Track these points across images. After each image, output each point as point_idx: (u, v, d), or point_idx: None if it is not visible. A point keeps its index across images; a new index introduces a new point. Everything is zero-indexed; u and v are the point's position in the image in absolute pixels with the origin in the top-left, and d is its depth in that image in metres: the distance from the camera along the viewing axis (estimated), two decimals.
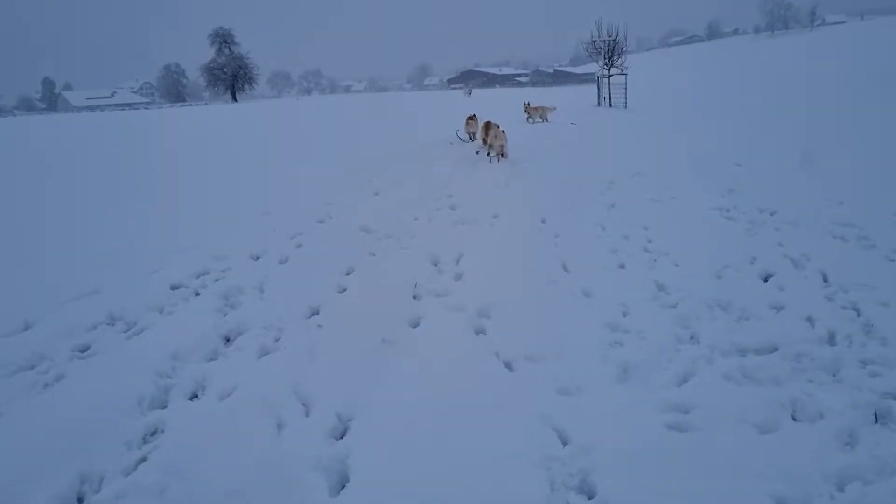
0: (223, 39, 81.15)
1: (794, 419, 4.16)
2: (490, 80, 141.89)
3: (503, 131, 15.23)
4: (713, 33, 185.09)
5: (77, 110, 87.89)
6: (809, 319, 5.61)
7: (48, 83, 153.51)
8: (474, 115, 19.04)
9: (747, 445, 3.83)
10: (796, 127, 18.37)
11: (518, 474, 3.66)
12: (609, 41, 35.97)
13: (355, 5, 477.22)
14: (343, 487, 3.69)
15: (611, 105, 34.07)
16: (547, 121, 25.38)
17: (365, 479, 3.69)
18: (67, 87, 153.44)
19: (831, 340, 5.25)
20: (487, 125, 15.99)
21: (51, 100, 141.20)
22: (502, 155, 15.07)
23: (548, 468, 3.72)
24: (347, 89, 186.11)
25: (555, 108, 26.65)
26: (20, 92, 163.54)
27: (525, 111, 25.67)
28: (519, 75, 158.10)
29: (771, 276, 6.78)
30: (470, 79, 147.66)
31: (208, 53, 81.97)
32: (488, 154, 15.20)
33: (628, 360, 5.03)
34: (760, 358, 4.98)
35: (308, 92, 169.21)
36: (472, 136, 18.45)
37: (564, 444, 3.99)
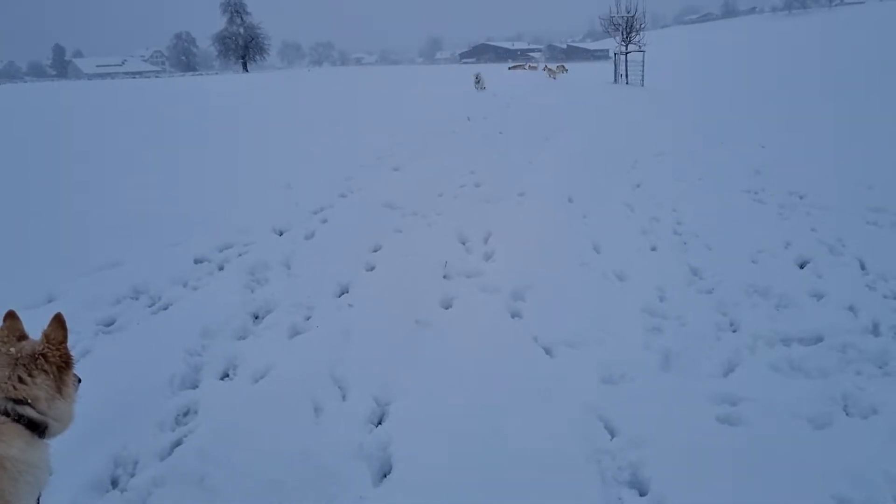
0: (235, 9, 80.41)
1: (846, 414, 4.00)
2: (502, 55, 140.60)
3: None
4: (729, 11, 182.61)
5: (88, 77, 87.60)
6: (852, 309, 5.44)
7: (59, 50, 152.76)
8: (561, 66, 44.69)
9: (803, 441, 3.68)
10: (818, 108, 18.09)
11: (568, 467, 3.52)
12: (627, 17, 35.57)
13: None
14: (385, 476, 3.57)
15: (627, 82, 33.72)
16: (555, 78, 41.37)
17: (408, 468, 3.55)
18: (78, 54, 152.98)
19: (875, 331, 5.08)
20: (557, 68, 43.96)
21: (61, 66, 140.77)
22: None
23: (598, 461, 3.58)
24: (358, 62, 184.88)
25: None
26: (31, 58, 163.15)
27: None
28: (532, 50, 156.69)
29: (807, 262, 6.61)
30: (482, 53, 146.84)
31: (220, 23, 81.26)
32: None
33: (670, 347, 4.89)
34: (805, 348, 4.82)
35: (319, 64, 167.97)
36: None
37: (613, 435, 3.85)
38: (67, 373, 2.59)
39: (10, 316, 2.62)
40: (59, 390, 2.52)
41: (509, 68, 49.64)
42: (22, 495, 2.25)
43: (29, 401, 2.39)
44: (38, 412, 2.41)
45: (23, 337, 2.59)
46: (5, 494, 2.20)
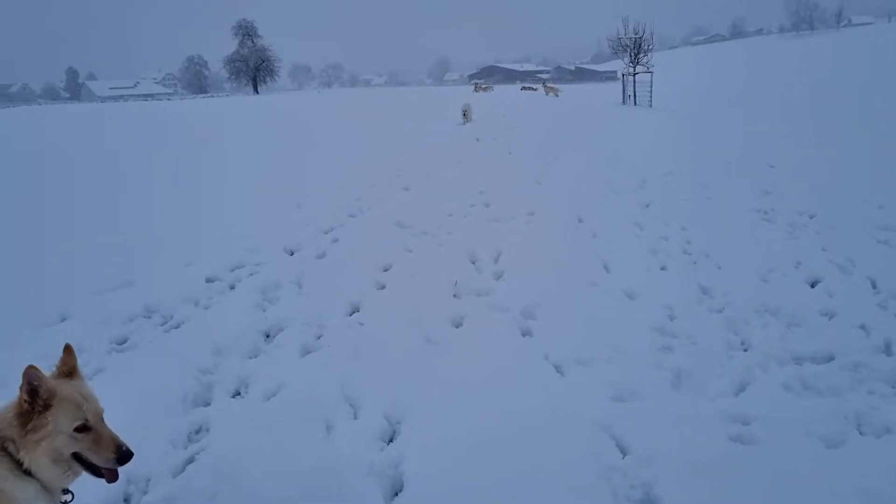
0: (246, 32, 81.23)
1: (860, 433, 3.99)
2: (511, 76, 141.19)
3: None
4: (737, 32, 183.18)
5: (101, 100, 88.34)
6: (864, 327, 5.44)
7: (72, 73, 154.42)
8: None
9: (816, 460, 3.66)
10: (827, 128, 18.09)
11: (580, 485, 3.52)
12: (635, 38, 35.72)
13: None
14: (397, 494, 3.58)
15: (636, 103, 33.77)
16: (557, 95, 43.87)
17: (419, 487, 3.56)
18: (91, 76, 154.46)
19: (888, 350, 5.08)
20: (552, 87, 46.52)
21: (74, 89, 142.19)
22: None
23: (609, 479, 3.58)
24: (367, 83, 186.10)
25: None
26: (45, 80, 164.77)
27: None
28: (540, 72, 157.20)
29: (818, 281, 6.62)
30: (490, 74, 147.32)
31: (231, 45, 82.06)
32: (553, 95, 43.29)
33: (681, 366, 4.89)
34: (818, 367, 4.82)
35: (329, 85, 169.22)
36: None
37: (624, 454, 3.84)
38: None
39: (66, 350, 2.60)
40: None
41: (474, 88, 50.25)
42: None
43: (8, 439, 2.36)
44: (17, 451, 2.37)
45: (71, 372, 2.58)
46: None
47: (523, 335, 5.59)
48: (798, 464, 3.63)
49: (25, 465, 2.39)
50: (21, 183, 11.91)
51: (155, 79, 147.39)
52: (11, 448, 2.35)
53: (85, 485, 3.35)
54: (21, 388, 2.41)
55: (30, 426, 2.38)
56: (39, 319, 5.68)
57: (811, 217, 8.93)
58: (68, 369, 2.58)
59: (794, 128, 18.86)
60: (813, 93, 31.43)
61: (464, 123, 23.82)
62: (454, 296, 6.50)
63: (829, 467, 3.60)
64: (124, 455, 2.49)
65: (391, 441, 4.10)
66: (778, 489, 3.44)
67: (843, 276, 6.69)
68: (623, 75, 36.93)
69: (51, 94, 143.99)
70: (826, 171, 11.92)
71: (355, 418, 4.32)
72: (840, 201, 9.54)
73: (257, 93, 78.53)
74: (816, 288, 6.47)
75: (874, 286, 6.40)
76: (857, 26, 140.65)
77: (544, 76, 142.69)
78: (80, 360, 4.23)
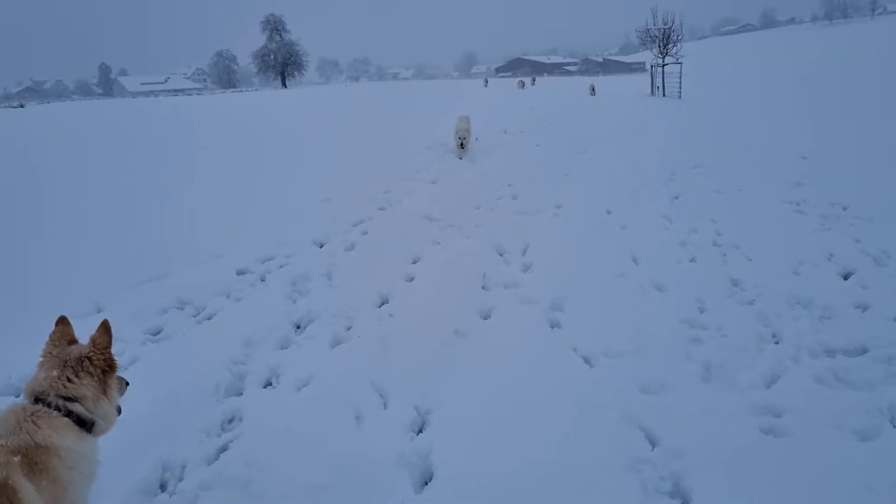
0: (274, 27, 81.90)
1: (894, 426, 3.93)
2: (538, 69, 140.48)
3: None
4: (768, 22, 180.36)
5: (132, 95, 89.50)
6: None
7: (104, 69, 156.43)
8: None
9: (848, 454, 3.63)
10: (861, 119, 17.76)
11: (608, 477, 3.52)
12: (664, 29, 35.40)
13: None
14: (426, 484, 3.61)
15: (664, 94, 33.45)
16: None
17: (449, 476, 3.59)
18: (123, 72, 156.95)
19: None
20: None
21: (107, 85, 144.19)
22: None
23: (638, 471, 3.58)
24: (395, 77, 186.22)
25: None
26: (78, 77, 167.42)
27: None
28: (567, 64, 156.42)
29: (851, 273, 6.52)
30: (518, 67, 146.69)
31: (259, 40, 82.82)
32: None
33: (710, 358, 4.86)
34: (851, 360, 4.74)
35: (356, 79, 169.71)
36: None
37: (653, 445, 3.84)
38: (111, 376, 2.80)
39: (62, 321, 2.85)
40: (104, 392, 2.70)
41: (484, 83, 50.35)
42: (76, 483, 2.42)
43: (78, 399, 2.56)
44: (87, 410, 2.58)
45: (73, 341, 2.83)
46: (62, 481, 2.35)
47: (551, 327, 5.60)
48: (830, 457, 3.60)
49: (106, 417, 2.73)
50: (53, 177, 12.09)
51: (185, 74, 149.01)
52: (80, 409, 2.62)
53: (121, 467, 3.46)
54: (106, 345, 2.82)
55: (108, 381, 2.79)
56: (75, 311, 5.78)
57: (844, 209, 8.79)
58: (70, 338, 2.85)
59: (827, 118, 18.53)
60: (847, 82, 30.86)
61: (458, 154, 14.81)
62: (482, 288, 6.53)
63: (861, 461, 3.56)
64: None
65: (421, 431, 4.14)
66: (809, 482, 3.41)
67: (877, 268, 6.58)
68: (652, 66, 36.61)
69: (83, 90, 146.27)
70: (860, 163, 11.72)
71: (385, 408, 4.37)
72: (875, 193, 9.37)
73: (286, 87, 79.03)
74: (850, 280, 6.37)
75: None
76: (892, 14, 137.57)
77: (572, 68, 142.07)
78: (116, 349, 4.30)
